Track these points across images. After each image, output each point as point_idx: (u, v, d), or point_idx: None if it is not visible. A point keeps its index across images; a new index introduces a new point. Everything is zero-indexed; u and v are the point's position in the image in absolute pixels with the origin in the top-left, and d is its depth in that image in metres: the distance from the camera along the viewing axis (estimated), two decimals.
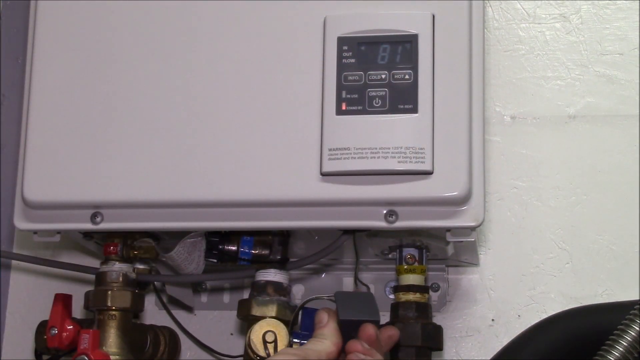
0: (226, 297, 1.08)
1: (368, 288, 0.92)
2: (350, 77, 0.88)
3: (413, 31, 0.88)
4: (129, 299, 0.95)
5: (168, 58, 0.92)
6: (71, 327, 0.93)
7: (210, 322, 1.08)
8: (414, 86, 0.87)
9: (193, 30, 0.92)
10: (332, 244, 0.91)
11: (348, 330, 0.84)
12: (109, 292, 0.94)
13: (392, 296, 1.00)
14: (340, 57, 0.89)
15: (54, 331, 0.93)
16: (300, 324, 0.97)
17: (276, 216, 0.88)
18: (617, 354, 0.84)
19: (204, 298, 1.09)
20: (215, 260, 0.96)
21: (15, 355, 1.10)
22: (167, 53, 0.92)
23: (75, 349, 0.91)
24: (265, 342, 0.90)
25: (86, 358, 0.89)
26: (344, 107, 0.88)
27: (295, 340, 0.93)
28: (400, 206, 0.86)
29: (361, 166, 0.86)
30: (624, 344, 0.84)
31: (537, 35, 1.09)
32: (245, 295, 1.00)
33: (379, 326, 0.85)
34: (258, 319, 0.92)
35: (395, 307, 0.92)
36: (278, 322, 0.91)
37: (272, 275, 0.94)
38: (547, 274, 1.04)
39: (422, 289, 0.93)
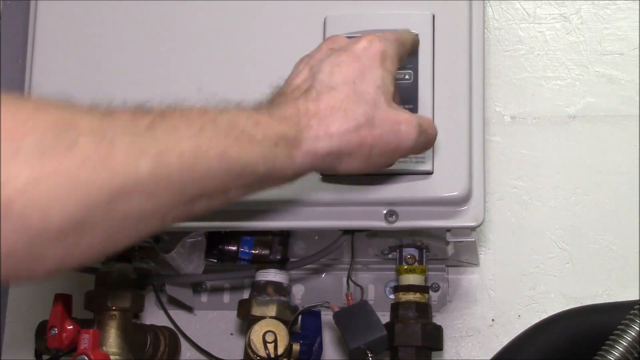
0: (226, 297, 1.08)
1: (362, 288, 0.92)
2: None
3: (413, 31, 0.88)
4: (129, 299, 0.95)
5: (169, 62, 0.92)
6: (71, 327, 0.93)
7: (210, 322, 1.08)
8: (414, 86, 0.87)
9: (192, 31, 0.92)
10: (332, 244, 0.91)
11: (360, 352, 0.86)
12: (109, 292, 0.94)
13: (392, 296, 1.00)
14: None
15: (54, 331, 0.93)
16: (301, 324, 0.97)
17: (276, 216, 0.88)
18: (617, 354, 0.84)
19: (204, 298, 1.08)
20: (215, 260, 0.96)
21: (15, 355, 1.10)
22: (168, 57, 0.92)
23: (75, 349, 0.90)
24: (265, 342, 0.90)
25: (86, 358, 0.89)
26: None
27: (295, 340, 0.93)
28: (400, 206, 0.86)
29: None
30: (624, 344, 0.84)
31: (537, 35, 1.09)
32: (245, 295, 1.00)
33: (386, 340, 0.87)
34: (258, 319, 0.92)
35: (395, 307, 0.92)
36: (278, 322, 0.91)
37: (272, 275, 0.94)
38: (547, 274, 1.03)
39: (422, 289, 0.93)
